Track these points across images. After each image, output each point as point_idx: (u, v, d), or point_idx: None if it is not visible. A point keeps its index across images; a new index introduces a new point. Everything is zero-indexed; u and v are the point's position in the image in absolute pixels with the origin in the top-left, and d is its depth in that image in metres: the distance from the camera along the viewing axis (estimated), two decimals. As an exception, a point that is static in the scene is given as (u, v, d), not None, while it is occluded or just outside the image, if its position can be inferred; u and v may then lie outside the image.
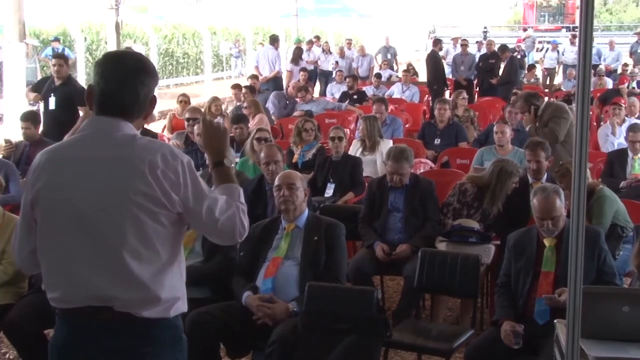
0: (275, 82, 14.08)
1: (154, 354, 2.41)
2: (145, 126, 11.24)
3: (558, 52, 20.18)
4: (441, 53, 14.65)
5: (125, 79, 2.42)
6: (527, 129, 6.63)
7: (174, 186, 2.37)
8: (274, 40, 15.07)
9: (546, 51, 21.03)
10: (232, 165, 2.66)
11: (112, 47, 13.16)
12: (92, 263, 2.34)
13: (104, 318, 2.36)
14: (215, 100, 9.91)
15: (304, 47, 17.27)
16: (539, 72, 18.70)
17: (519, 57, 17.49)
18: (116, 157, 2.37)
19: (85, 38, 19.33)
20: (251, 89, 11.25)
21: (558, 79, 19.76)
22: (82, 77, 15.69)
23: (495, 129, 7.29)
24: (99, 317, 2.36)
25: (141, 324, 2.37)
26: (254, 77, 13.17)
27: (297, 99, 11.46)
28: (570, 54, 18.93)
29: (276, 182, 4.50)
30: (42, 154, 2.47)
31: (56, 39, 18.15)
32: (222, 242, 2.57)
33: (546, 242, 4.15)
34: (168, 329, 2.44)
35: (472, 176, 5.70)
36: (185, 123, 8.17)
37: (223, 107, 10.60)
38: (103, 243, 2.34)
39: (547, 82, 18.51)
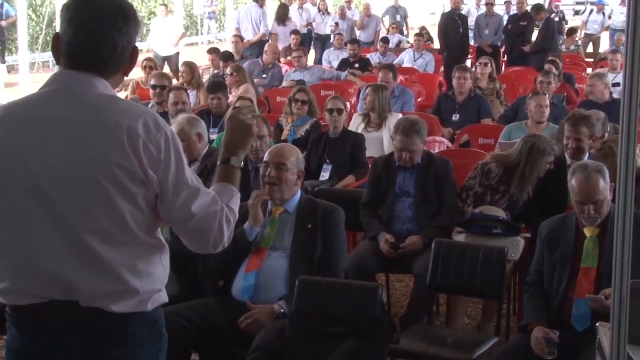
0: (259, 46, 13.98)
1: (129, 354, 2.42)
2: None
3: (604, 14, 20.20)
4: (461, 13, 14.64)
5: (99, 26, 2.38)
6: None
7: (154, 162, 2.34)
8: (258, -3, 15.03)
9: (590, 13, 21.03)
10: (240, 166, 2.68)
11: (60, 2, 13.10)
12: (52, 246, 2.33)
13: (67, 316, 2.35)
14: (189, 67, 9.84)
15: (295, 4, 17.24)
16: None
17: (556, 19, 17.51)
18: (88, 120, 2.33)
19: (28, -9, 19.22)
20: (227, 56, 11.12)
21: (604, 47, 19.79)
22: (24, 39, 15.52)
23: (531, 102, 7.30)
24: (61, 315, 2.36)
25: (113, 319, 2.38)
26: (237, 37, 13.06)
27: (282, 64, 11.38)
28: (620, 16, 18.97)
29: (265, 157, 4.50)
30: None
31: (3, -6, 18.06)
32: (192, 247, 2.53)
33: (587, 231, 4.16)
34: (145, 324, 2.45)
35: (498, 154, 5.71)
36: (151, 91, 8.16)
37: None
38: (66, 222, 2.32)
39: (592, 51, 18.53)
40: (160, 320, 2.51)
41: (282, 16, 15.47)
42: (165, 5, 16.68)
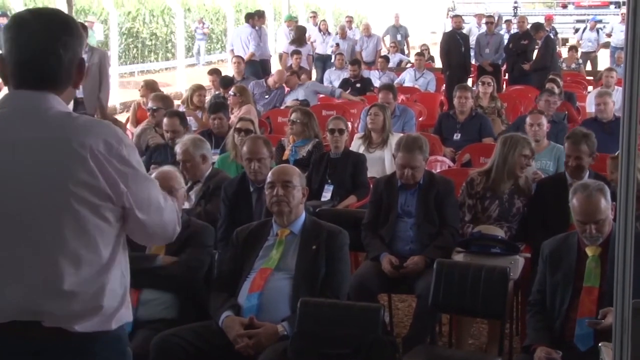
0: (252, 66, 13.88)
1: None
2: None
3: (598, 32, 20.28)
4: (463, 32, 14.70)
5: (44, 42, 2.40)
6: None
7: (121, 175, 2.39)
8: (249, 17, 15.05)
9: (583, 31, 21.10)
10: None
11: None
12: (18, 270, 2.33)
13: (31, 336, 2.35)
14: (198, 89, 9.87)
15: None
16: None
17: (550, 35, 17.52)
18: (49, 139, 2.35)
19: (29, 13, 19.25)
20: (227, 82, 11.08)
21: (603, 65, 19.82)
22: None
23: (528, 120, 7.31)
24: (24, 335, 2.35)
25: (77, 340, 2.37)
26: (240, 58, 13.02)
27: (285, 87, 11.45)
28: (620, 34, 19.02)
29: (269, 179, 4.53)
30: None
31: (3, 14, 18.12)
32: (156, 240, 2.66)
33: (589, 251, 4.17)
34: (110, 344, 2.46)
35: (478, 168, 5.94)
36: (149, 114, 8.17)
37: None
38: (35, 246, 2.33)
39: (591, 69, 18.56)
40: (124, 339, 2.53)
41: (299, 39, 15.55)
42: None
